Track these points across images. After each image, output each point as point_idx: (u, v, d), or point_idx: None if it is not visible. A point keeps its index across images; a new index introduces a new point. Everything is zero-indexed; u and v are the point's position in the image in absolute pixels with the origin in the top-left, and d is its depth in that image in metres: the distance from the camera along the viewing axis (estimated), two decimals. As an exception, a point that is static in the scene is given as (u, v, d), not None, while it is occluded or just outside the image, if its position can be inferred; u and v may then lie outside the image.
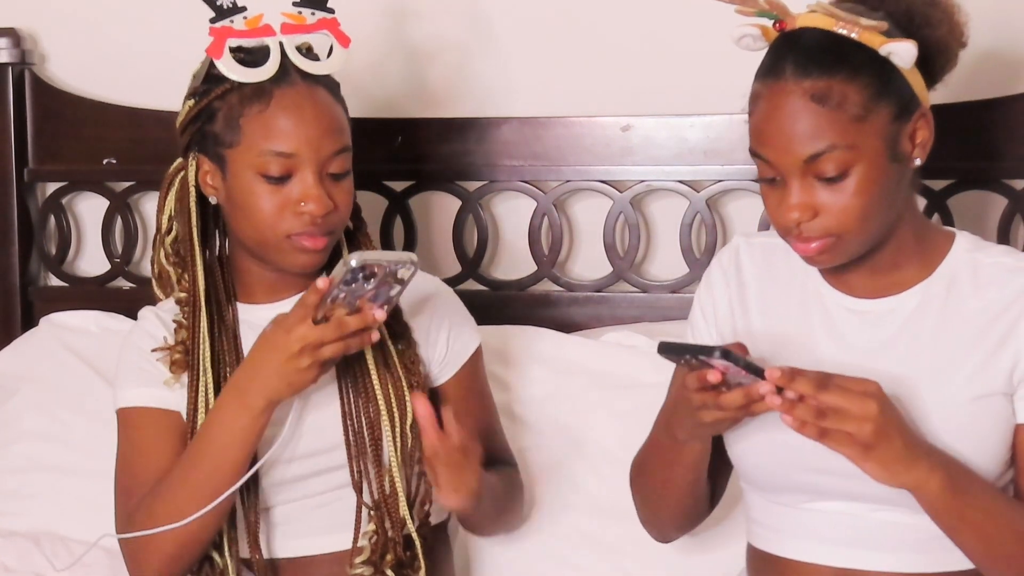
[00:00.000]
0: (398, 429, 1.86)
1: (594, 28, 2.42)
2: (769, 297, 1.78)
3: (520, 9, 2.44)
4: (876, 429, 1.53)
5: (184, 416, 1.88)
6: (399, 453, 1.86)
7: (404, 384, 1.88)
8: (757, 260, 1.81)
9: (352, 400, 1.88)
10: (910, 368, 1.67)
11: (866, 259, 1.69)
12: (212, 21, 1.89)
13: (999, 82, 2.19)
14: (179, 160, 1.95)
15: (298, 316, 1.71)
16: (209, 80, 1.90)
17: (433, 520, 1.95)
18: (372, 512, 1.86)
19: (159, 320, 1.94)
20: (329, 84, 1.91)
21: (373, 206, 2.38)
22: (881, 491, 1.64)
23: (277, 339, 1.72)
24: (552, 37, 2.43)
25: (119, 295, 2.55)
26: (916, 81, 1.65)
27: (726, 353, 1.53)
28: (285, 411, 1.82)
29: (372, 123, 2.41)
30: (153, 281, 1.99)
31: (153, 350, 1.90)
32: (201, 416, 1.85)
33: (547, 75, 2.43)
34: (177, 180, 1.95)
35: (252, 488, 1.86)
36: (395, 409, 1.87)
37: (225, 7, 1.90)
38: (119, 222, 2.56)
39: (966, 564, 1.65)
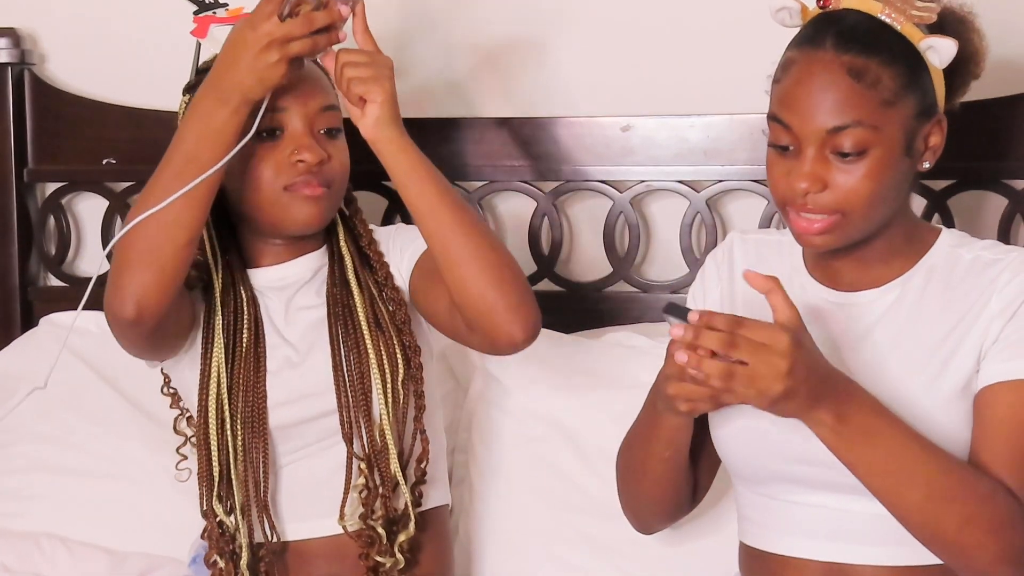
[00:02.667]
0: (389, 385, 1.91)
1: (595, 28, 2.42)
2: (756, 291, 1.79)
3: (521, 9, 2.44)
4: (785, 389, 1.51)
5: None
6: (389, 409, 1.89)
7: (395, 342, 1.92)
8: (749, 255, 1.83)
9: (343, 353, 1.92)
10: (888, 359, 1.69)
11: (856, 250, 1.71)
12: (195, 13, 1.96)
13: (1000, 83, 2.19)
14: None
15: (264, 12, 1.76)
16: (200, 73, 1.96)
17: (433, 502, 1.98)
18: (362, 465, 1.89)
19: None
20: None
21: (373, 206, 2.39)
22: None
23: (245, 35, 1.77)
24: (554, 37, 2.43)
25: (119, 295, 2.55)
26: (940, 87, 1.67)
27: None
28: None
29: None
30: None
31: None
32: (214, 380, 1.90)
33: (549, 75, 2.43)
34: None
35: (261, 436, 1.90)
36: (386, 365, 1.91)
37: (208, 2, 1.97)
38: (119, 222, 2.56)
39: None
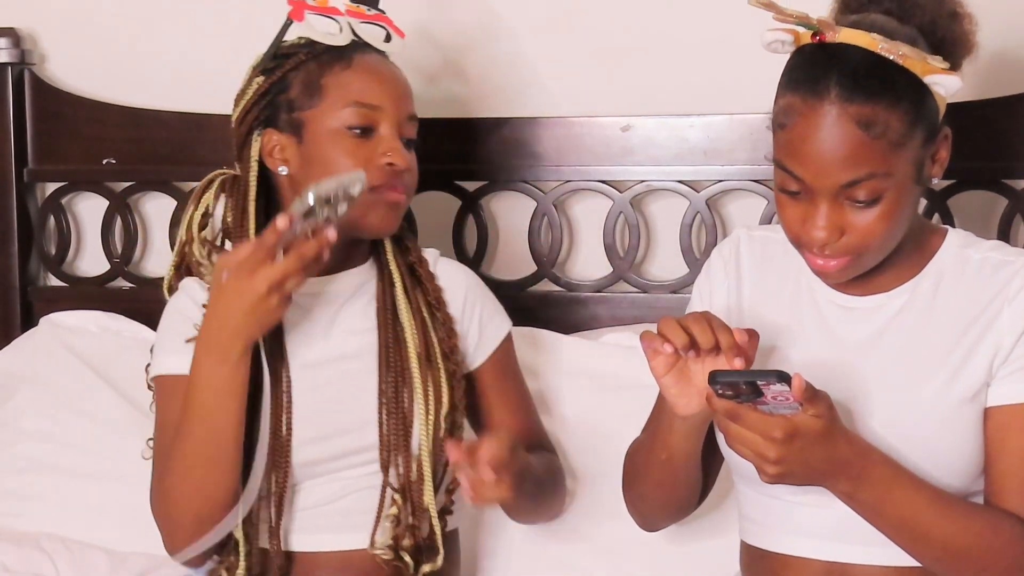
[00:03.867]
0: (431, 417, 1.88)
1: (594, 28, 2.42)
2: (763, 290, 1.80)
3: (523, 8, 2.44)
4: (777, 474, 1.57)
5: None
6: (431, 441, 1.87)
7: (442, 373, 1.90)
8: (756, 253, 1.82)
9: (390, 381, 1.89)
10: (897, 364, 1.69)
11: None
12: None
13: (1000, 83, 2.19)
14: (212, 175, 1.98)
15: (259, 258, 1.71)
16: (279, 56, 1.93)
17: (451, 525, 1.97)
18: (396, 496, 1.87)
19: (203, 289, 1.92)
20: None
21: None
22: None
23: (241, 286, 1.72)
24: (554, 37, 2.43)
25: (119, 295, 2.55)
26: (942, 103, 1.65)
27: (782, 375, 1.51)
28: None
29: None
30: (167, 280, 1.99)
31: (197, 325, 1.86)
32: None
33: (549, 75, 2.43)
34: (217, 182, 1.97)
35: (281, 466, 1.86)
36: (431, 397, 1.89)
37: None
38: (119, 222, 2.56)
39: None
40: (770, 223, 2.28)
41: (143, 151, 2.51)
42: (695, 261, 2.32)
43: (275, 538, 1.88)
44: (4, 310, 2.57)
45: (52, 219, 2.59)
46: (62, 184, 2.58)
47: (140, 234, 2.57)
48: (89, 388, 2.33)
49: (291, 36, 1.95)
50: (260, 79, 1.93)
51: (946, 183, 2.24)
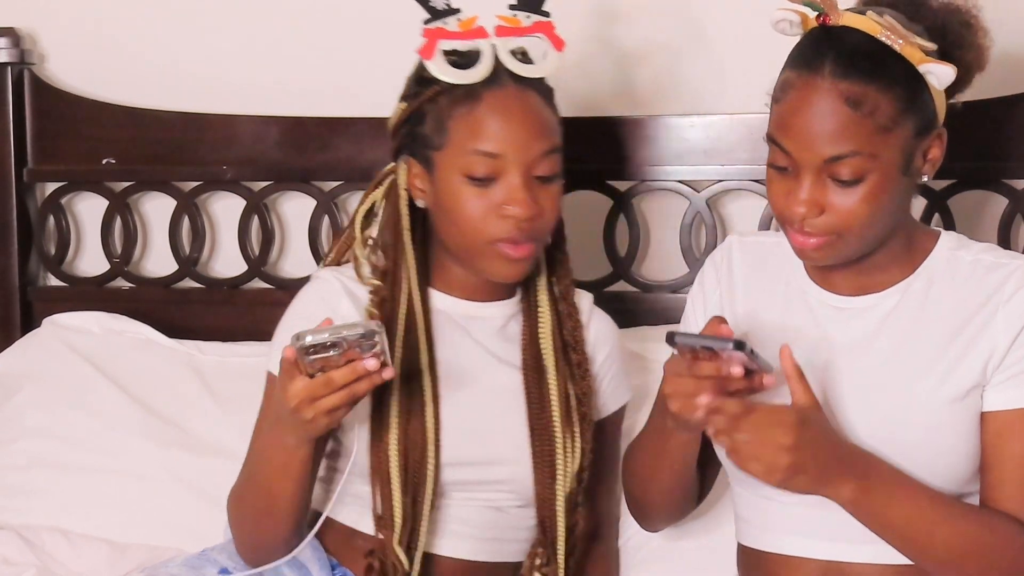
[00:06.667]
0: (569, 469, 1.86)
1: (589, 25, 2.41)
2: (756, 294, 1.81)
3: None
4: (792, 462, 1.55)
5: None
6: (567, 488, 1.86)
7: (578, 430, 1.87)
8: (748, 258, 1.83)
9: (538, 419, 1.87)
10: (889, 364, 1.70)
11: (855, 261, 1.72)
12: (426, 23, 1.83)
13: (1000, 83, 2.19)
14: (391, 164, 1.92)
15: (287, 376, 1.67)
16: (420, 83, 1.86)
17: None
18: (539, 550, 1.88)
19: (341, 287, 1.88)
20: (541, 88, 1.86)
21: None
22: None
23: (280, 396, 1.68)
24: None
25: (118, 295, 2.55)
26: (940, 102, 1.67)
27: (740, 344, 1.53)
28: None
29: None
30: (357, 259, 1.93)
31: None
32: (393, 411, 1.81)
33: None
34: (387, 181, 1.91)
35: (423, 483, 1.82)
36: (569, 450, 1.86)
37: (439, 8, 1.84)
38: (118, 222, 2.56)
39: None
40: (769, 224, 2.29)
41: (143, 151, 2.51)
42: (695, 261, 2.32)
43: (412, 546, 1.83)
44: (4, 310, 2.56)
45: (52, 219, 2.59)
46: (62, 184, 2.58)
47: (140, 234, 2.57)
48: (91, 386, 2.33)
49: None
50: (403, 105, 1.87)
51: (946, 183, 2.24)
